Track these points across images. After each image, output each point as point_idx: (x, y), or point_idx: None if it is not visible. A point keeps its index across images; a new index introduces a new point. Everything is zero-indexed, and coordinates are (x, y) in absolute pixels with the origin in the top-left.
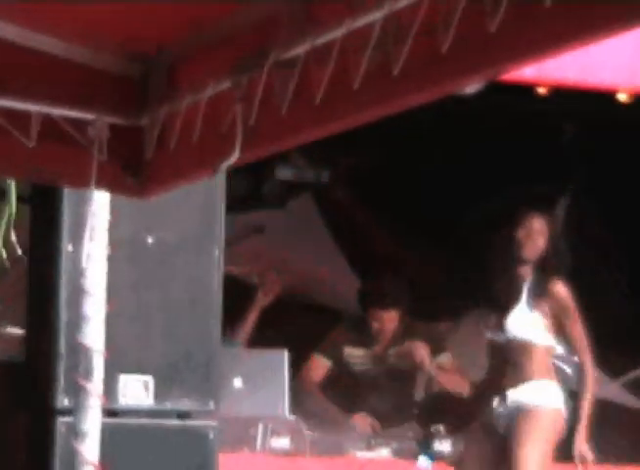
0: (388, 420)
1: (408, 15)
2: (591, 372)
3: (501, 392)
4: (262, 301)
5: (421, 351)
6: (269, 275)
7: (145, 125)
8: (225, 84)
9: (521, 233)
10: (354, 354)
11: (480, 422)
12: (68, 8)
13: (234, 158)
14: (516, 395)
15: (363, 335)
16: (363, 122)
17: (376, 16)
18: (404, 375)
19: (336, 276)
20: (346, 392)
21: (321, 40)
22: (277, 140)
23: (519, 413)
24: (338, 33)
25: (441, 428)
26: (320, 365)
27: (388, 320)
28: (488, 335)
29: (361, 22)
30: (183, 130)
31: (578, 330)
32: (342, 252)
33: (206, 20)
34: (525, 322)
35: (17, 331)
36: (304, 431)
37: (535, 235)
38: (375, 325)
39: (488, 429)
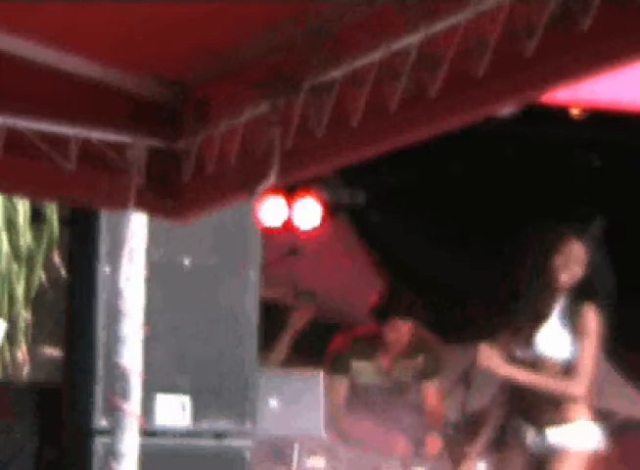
0: (417, 437)
1: (444, 39)
2: (572, 390)
3: (532, 417)
4: (297, 323)
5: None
6: (303, 298)
7: (182, 149)
8: (262, 108)
9: (559, 259)
10: (362, 368)
11: (515, 447)
12: (107, 33)
13: (271, 181)
14: (554, 434)
15: (370, 348)
16: (399, 146)
17: (412, 40)
18: (411, 389)
19: (372, 297)
20: (363, 411)
21: (357, 64)
22: (314, 163)
23: (555, 453)
24: (374, 57)
25: None
26: (339, 386)
27: (404, 332)
28: (517, 353)
29: (397, 46)
30: (220, 153)
31: (588, 354)
32: (378, 273)
33: (241, 44)
34: (555, 341)
35: (54, 352)
36: (340, 450)
37: (573, 261)
38: (391, 336)
39: (523, 456)
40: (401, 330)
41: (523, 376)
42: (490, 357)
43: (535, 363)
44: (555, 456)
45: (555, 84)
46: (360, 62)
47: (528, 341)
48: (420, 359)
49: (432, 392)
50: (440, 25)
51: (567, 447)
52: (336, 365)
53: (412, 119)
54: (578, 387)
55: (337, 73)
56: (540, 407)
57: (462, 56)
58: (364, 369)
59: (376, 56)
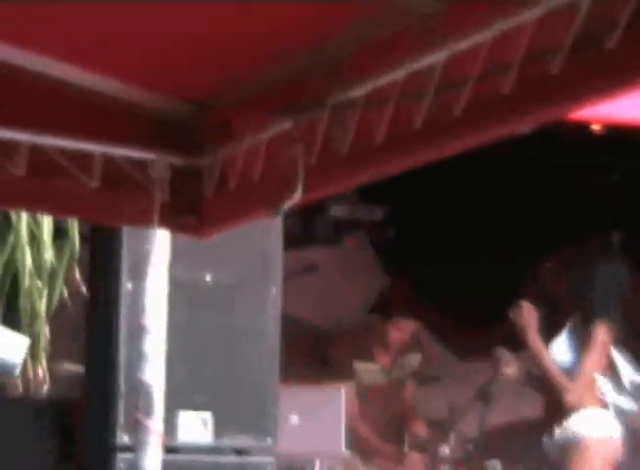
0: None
1: (469, 58)
2: (566, 394)
3: (551, 425)
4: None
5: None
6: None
7: (205, 166)
8: (285, 125)
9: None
10: (365, 369)
11: (535, 454)
12: (132, 54)
13: (295, 198)
14: (565, 425)
15: (372, 347)
16: (423, 163)
17: (436, 58)
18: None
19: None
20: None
21: (381, 82)
22: (338, 181)
23: (570, 444)
24: (398, 75)
25: (498, 464)
26: (349, 393)
27: (405, 330)
28: (535, 371)
29: (421, 64)
30: (243, 170)
31: (591, 362)
32: (394, 288)
33: (265, 67)
34: (569, 350)
35: (74, 367)
36: (360, 467)
37: None
38: (395, 335)
39: (542, 460)
40: (405, 329)
41: (543, 355)
42: (531, 320)
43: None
44: (570, 447)
45: (580, 103)
46: (384, 80)
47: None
48: (416, 357)
49: (409, 389)
50: (465, 44)
51: (579, 436)
52: (342, 372)
53: (436, 137)
54: (572, 394)
55: (360, 91)
56: (552, 407)
57: (487, 74)
58: (367, 371)
59: (400, 74)
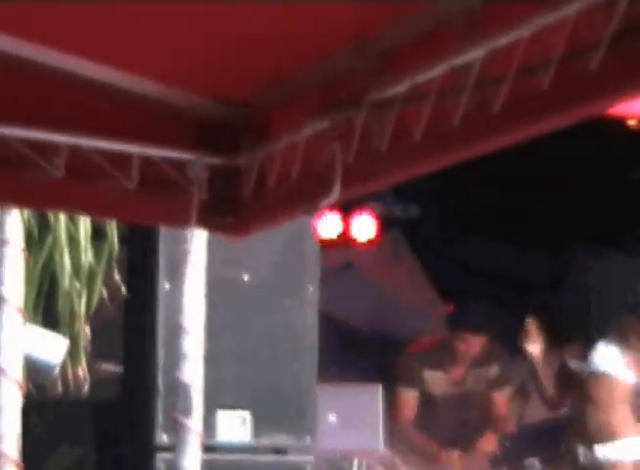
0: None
1: (507, 54)
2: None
3: (582, 434)
4: None
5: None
6: None
7: (243, 165)
8: (323, 124)
9: None
10: (434, 378)
11: (567, 463)
12: (171, 55)
13: (334, 196)
14: (604, 451)
15: (442, 359)
16: (462, 160)
17: (475, 55)
18: (482, 400)
19: (426, 309)
20: (433, 422)
21: (419, 80)
22: (375, 179)
23: (606, 466)
24: (436, 73)
25: (536, 462)
26: (409, 399)
27: (474, 344)
28: (572, 365)
29: (460, 61)
30: (281, 169)
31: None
32: (432, 285)
33: (304, 69)
34: (610, 356)
35: (113, 367)
36: (399, 465)
37: None
38: (460, 347)
39: (576, 468)
40: (472, 343)
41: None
42: (535, 340)
43: (587, 379)
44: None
45: (619, 99)
46: (422, 77)
47: (584, 355)
48: (493, 369)
49: (502, 401)
50: (504, 40)
51: (616, 460)
52: (407, 378)
53: (475, 134)
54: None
55: (398, 89)
56: (589, 425)
57: (525, 71)
58: (436, 380)
59: (438, 71)
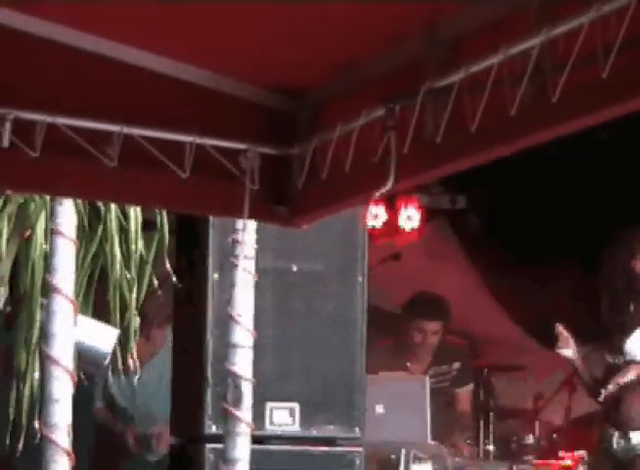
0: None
1: (566, 42)
2: None
3: (617, 421)
4: None
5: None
6: None
7: (296, 155)
8: (378, 113)
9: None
10: None
11: (600, 449)
12: (226, 45)
13: (388, 186)
14: (637, 437)
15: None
16: (518, 150)
17: (533, 43)
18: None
19: (472, 301)
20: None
21: (476, 68)
22: (430, 168)
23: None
24: (493, 61)
25: (585, 455)
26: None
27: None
28: (609, 358)
29: (518, 49)
30: (334, 159)
31: None
32: (478, 276)
33: (361, 58)
34: None
35: None
36: (446, 455)
37: None
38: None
39: (609, 457)
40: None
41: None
42: (568, 344)
43: (626, 368)
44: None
45: None
46: (479, 66)
47: (619, 346)
48: (455, 366)
49: (464, 397)
50: (563, 28)
51: None
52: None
53: (532, 123)
54: None
55: (455, 78)
56: (625, 412)
57: (585, 58)
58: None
59: (495, 60)
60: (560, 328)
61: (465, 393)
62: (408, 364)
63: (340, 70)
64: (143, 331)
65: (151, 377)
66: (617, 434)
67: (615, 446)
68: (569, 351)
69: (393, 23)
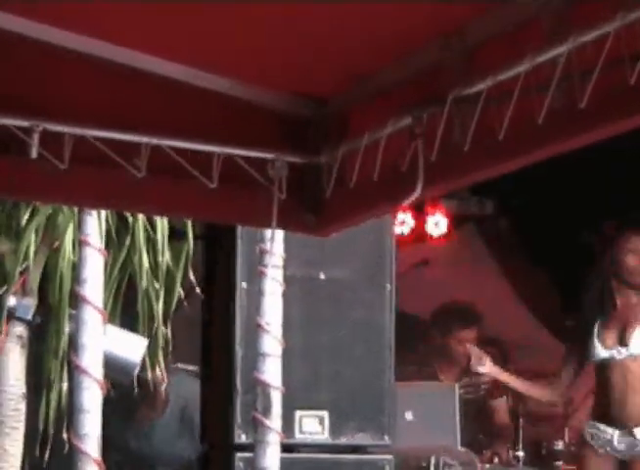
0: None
1: (594, 49)
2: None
3: (617, 420)
4: None
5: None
6: None
7: (324, 164)
8: (405, 121)
9: (633, 259)
10: None
11: (596, 446)
12: (254, 54)
13: (416, 194)
14: None
15: None
16: (546, 158)
17: (560, 50)
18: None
19: (501, 306)
20: None
21: (503, 76)
22: (458, 176)
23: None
24: (520, 69)
25: None
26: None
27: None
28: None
29: (545, 57)
30: (362, 167)
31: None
32: (507, 281)
33: (386, 66)
34: None
35: (192, 368)
36: (476, 462)
37: None
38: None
39: (605, 454)
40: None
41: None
42: (482, 361)
43: (630, 363)
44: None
45: None
46: (506, 74)
47: (622, 341)
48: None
49: (500, 408)
50: (590, 35)
51: None
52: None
53: (560, 131)
54: (550, 394)
55: (482, 86)
56: (628, 409)
57: (612, 65)
58: None
59: (522, 68)
60: (470, 347)
61: (501, 404)
62: (438, 372)
63: (366, 77)
64: None
65: None
66: (618, 433)
67: (615, 443)
68: (484, 367)
69: (415, 31)
